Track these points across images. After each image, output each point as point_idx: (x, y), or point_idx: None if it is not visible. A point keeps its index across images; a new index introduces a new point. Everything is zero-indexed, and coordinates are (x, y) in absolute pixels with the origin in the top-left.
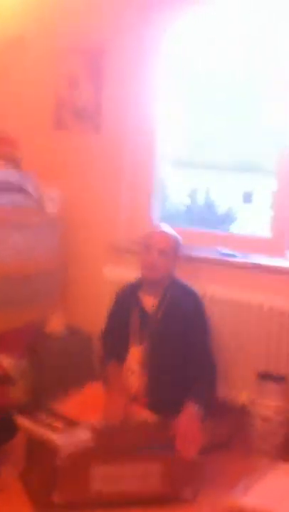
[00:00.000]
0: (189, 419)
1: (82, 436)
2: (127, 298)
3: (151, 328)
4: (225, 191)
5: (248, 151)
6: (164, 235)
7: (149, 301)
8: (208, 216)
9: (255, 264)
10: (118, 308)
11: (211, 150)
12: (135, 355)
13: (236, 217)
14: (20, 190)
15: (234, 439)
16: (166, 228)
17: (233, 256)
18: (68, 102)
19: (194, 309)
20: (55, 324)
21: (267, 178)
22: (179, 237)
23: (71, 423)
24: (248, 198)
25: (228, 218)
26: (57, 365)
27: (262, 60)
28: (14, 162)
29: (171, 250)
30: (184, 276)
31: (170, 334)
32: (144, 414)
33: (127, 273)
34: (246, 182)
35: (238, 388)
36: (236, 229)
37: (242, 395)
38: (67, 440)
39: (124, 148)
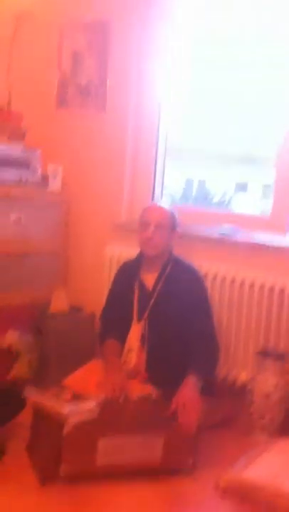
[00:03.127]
0: (189, 391)
1: (88, 408)
2: (126, 275)
3: (151, 304)
4: (220, 182)
5: (245, 142)
6: (160, 209)
7: (149, 278)
8: (203, 205)
9: (255, 242)
10: (118, 285)
11: (206, 139)
12: (135, 331)
13: (231, 208)
14: (24, 165)
15: (234, 416)
16: (162, 203)
17: (233, 234)
18: (72, 79)
19: (193, 284)
20: (59, 302)
21: (261, 168)
22: (174, 211)
23: (76, 396)
24: (241, 188)
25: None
26: (60, 343)
27: (266, 46)
28: (18, 137)
29: (168, 224)
30: (184, 255)
31: (170, 310)
32: (145, 389)
33: (129, 251)
34: (241, 173)
35: (239, 367)
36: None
37: (242, 374)
38: (73, 411)
39: (127, 126)
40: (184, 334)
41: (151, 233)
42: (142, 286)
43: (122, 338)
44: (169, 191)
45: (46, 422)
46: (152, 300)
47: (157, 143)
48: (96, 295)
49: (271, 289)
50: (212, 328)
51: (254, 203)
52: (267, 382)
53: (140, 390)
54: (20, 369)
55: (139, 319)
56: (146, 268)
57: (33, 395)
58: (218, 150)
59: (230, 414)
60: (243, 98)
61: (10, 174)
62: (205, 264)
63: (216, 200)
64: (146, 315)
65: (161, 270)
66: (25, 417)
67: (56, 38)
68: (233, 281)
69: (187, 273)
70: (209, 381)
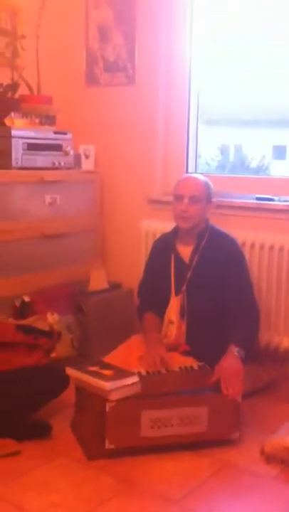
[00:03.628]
0: (232, 361)
1: (131, 382)
2: (163, 248)
3: (188, 277)
4: (256, 147)
5: (279, 105)
6: (194, 181)
7: (185, 250)
8: (240, 172)
9: None
10: (155, 259)
11: (242, 105)
12: (174, 305)
13: (269, 173)
14: (56, 148)
15: (278, 382)
16: (196, 175)
17: (271, 200)
18: (100, 56)
19: (230, 254)
20: (97, 280)
21: None
22: (209, 181)
23: (119, 371)
24: (280, 152)
25: (260, 173)
26: (101, 321)
27: None
28: (49, 120)
29: (202, 196)
30: (221, 224)
31: (207, 282)
32: (187, 361)
33: (164, 225)
34: (279, 137)
35: (281, 333)
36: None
37: (285, 340)
38: (116, 386)
39: (158, 98)
40: (223, 305)
41: (185, 206)
42: (179, 258)
43: (161, 311)
44: (204, 160)
45: (89, 399)
46: (189, 273)
47: (189, 112)
48: (134, 270)
49: None
50: (252, 296)
51: None
52: None
53: (182, 361)
54: (62, 349)
55: (177, 293)
56: (183, 240)
57: (75, 373)
58: (253, 114)
59: (274, 380)
60: (279, 60)
61: (43, 158)
62: (243, 232)
63: (253, 165)
64: (184, 288)
65: (197, 242)
66: (68, 395)
67: (82, 14)
68: (271, 247)
69: (224, 243)
70: (251, 349)
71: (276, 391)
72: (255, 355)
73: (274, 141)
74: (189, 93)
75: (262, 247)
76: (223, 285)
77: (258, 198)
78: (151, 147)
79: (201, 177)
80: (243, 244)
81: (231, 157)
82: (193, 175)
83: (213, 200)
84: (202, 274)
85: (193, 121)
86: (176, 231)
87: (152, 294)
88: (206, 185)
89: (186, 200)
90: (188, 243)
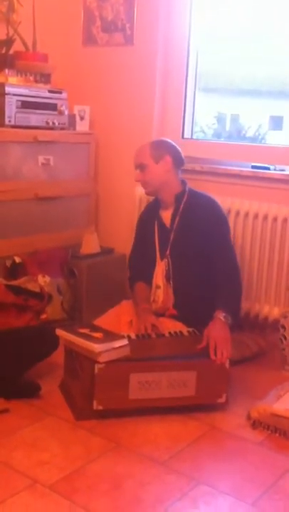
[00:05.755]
0: (219, 326)
1: (120, 345)
2: (148, 215)
3: (171, 240)
4: (253, 116)
5: (278, 75)
6: (139, 149)
7: (166, 215)
8: (236, 141)
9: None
10: (141, 227)
11: (238, 75)
12: (160, 269)
13: (265, 142)
14: (50, 107)
15: (266, 351)
16: (147, 141)
17: (267, 169)
18: (98, 14)
19: (211, 217)
20: (90, 244)
21: None
22: (158, 141)
23: (109, 334)
24: (277, 122)
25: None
26: (92, 284)
27: None
28: (44, 78)
29: (147, 160)
30: (216, 191)
31: (189, 245)
32: (176, 326)
33: None
34: (276, 107)
35: (270, 303)
36: None
37: (274, 309)
38: (106, 348)
39: (156, 62)
40: (206, 269)
41: (137, 176)
42: (161, 223)
43: (150, 278)
44: (199, 128)
45: (78, 360)
46: (171, 236)
47: (187, 77)
48: (126, 236)
49: None
50: (234, 261)
51: None
52: None
53: (171, 327)
54: (52, 311)
55: (162, 257)
56: (163, 206)
57: (65, 334)
58: (251, 84)
59: (262, 349)
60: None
61: (37, 117)
62: (238, 200)
63: (249, 134)
64: (168, 252)
65: (176, 205)
66: (58, 356)
67: None
68: (265, 216)
69: (204, 204)
70: (237, 313)
71: (264, 359)
72: (242, 322)
73: (271, 112)
74: (188, 57)
75: (256, 215)
76: (207, 247)
77: (253, 167)
78: (148, 111)
79: (150, 141)
80: (238, 211)
81: (228, 126)
82: (146, 143)
83: (166, 158)
84: (184, 236)
85: (191, 87)
86: (157, 198)
87: (141, 263)
88: (151, 147)
89: (137, 171)
90: (168, 207)
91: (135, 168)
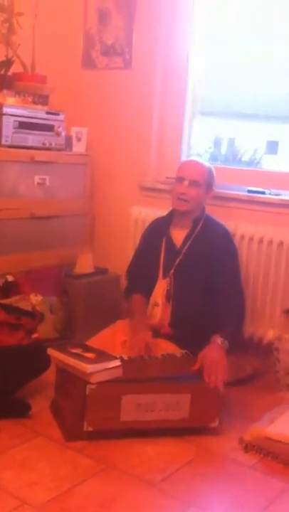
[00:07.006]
0: (215, 349)
1: (112, 366)
2: (156, 231)
3: (178, 261)
4: (250, 141)
5: (275, 100)
6: (197, 165)
7: (178, 234)
8: (232, 165)
9: (284, 200)
10: (147, 241)
11: (236, 98)
12: (160, 287)
13: (261, 167)
14: (48, 129)
15: (261, 373)
16: (201, 160)
17: (262, 193)
18: (98, 38)
19: (223, 244)
20: (84, 264)
21: None
22: (212, 169)
23: (101, 354)
24: (273, 147)
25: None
26: (85, 304)
27: None
28: (42, 99)
29: (203, 181)
30: (212, 213)
31: (196, 268)
32: (171, 347)
33: (155, 213)
34: (272, 131)
35: (266, 325)
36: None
37: (269, 332)
38: (97, 369)
39: (154, 86)
40: (209, 293)
41: (185, 188)
42: (170, 242)
43: (148, 292)
44: (195, 151)
45: (70, 380)
46: (179, 257)
47: (185, 102)
48: (121, 257)
49: None
50: (240, 287)
51: (286, 162)
52: None
53: (165, 348)
54: (44, 330)
55: (165, 276)
56: (177, 224)
57: (57, 354)
58: (248, 108)
59: (257, 371)
60: (275, 54)
61: (34, 138)
62: (233, 223)
63: (245, 158)
64: (172, 272)
65: (192, 228)
66: (49, 376)
67: None
68: (261, 240)
69: (218, 233)
70: (236, 339)
71: (259, 382)
72: (239, 345)
73: (268, 137)
74: (186, 82)
75: (251, 239)
76: (212, 275)
77: (249, 191)
78: (145, 133)
79: (206, 163)
80: (233, 234)
81: (224, 150)
82: (199, 160)
83: (214, 188)
84: (192, 260)
85: (188, 111)
86: (171, 215)
87: (141, 275)
88: (209, 172)
89: (186, 183)
90: (183, 228)
91: (181, 180)
